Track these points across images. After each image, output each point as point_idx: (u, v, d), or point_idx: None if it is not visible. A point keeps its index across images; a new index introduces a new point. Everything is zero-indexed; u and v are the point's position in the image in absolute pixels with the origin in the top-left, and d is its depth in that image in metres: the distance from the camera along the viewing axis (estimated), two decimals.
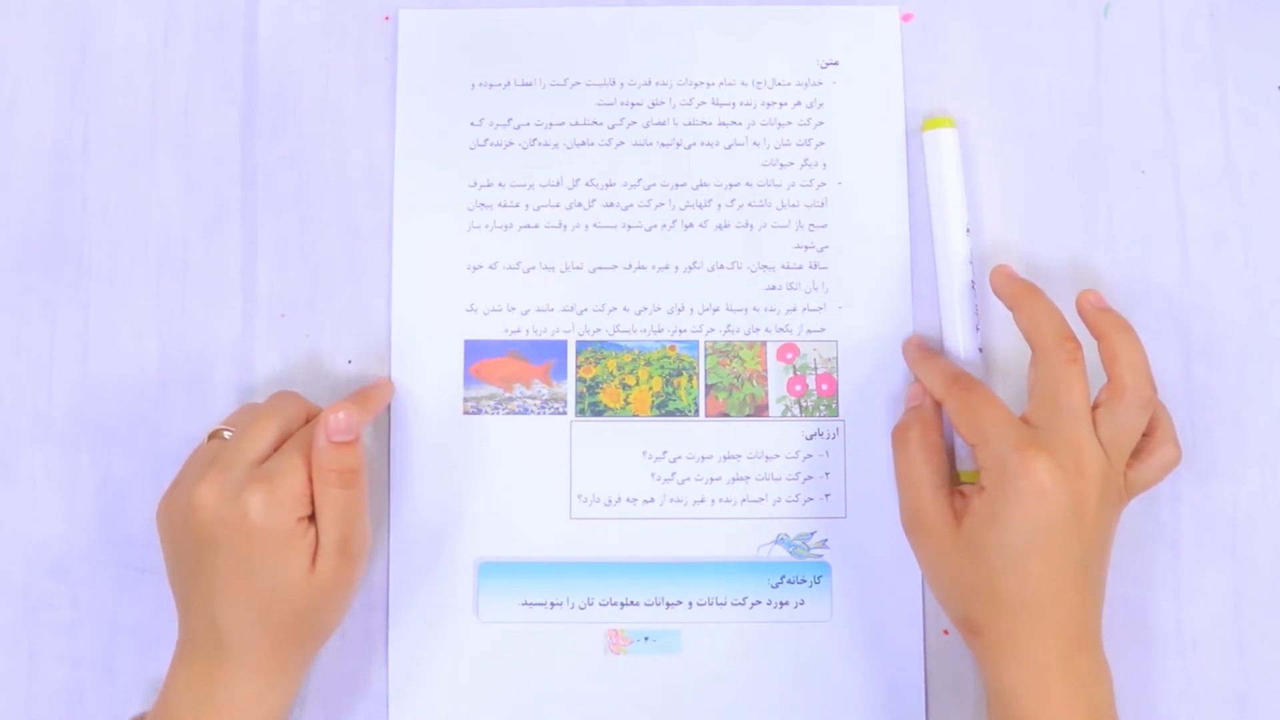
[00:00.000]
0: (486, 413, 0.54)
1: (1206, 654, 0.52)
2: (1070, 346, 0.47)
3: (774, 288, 0.54)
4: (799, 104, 0.55)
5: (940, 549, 0.47)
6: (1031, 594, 0.45)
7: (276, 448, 0.49)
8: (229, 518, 0.46)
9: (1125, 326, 0.48)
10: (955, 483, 0.50)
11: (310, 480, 0.47)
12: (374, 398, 0.52)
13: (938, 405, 0.51)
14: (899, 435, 0.50)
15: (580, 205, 0.55)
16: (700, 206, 0.55)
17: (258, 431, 0.49)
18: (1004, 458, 0.46)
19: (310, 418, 0.51)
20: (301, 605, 0.47)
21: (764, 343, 0.54)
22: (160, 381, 0.55)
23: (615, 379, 0.54)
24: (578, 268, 0.55)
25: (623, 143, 0.55)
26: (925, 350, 0.53)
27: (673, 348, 0.54)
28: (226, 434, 0.50)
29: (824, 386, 0.54)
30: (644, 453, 0.54)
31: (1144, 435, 0.48)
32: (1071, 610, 0.46)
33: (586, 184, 0.55)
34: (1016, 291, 0.50)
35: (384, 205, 0.55)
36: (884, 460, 0.53)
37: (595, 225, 0.55)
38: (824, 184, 0.55)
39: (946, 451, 0.51)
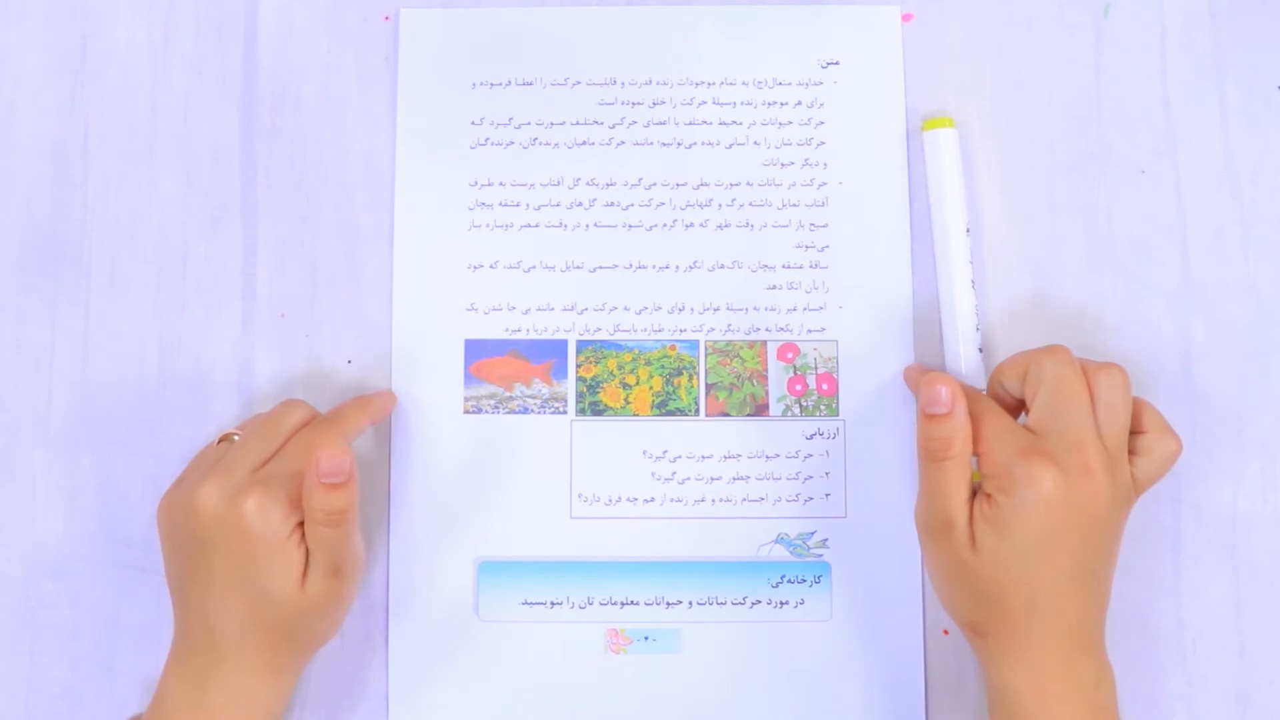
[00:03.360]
0: (487, 412, 0.54)
1: (1207, 654, 0.52)
2: (1057, 350, 0.47)
3: (774, 287, 0.54)
4: (799, 104, 0.55)
5: (954, 556, 0.47)
6: (1039, 600, 0.45)
7: None
8: (227, 519, 0.46)
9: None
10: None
11: None
12: (374, 406, 0.52)
13: (967, 415, 0.48)
14: (937, 449, 0.47)
15: (581, 205, 0.55)
16: (701, 206, 0.55)
17: (263, 438, 0.49)
18: (1010, 467, 0.45)
19: None
20: (291, 615, 0.47)
21: (764, 342, 0.54)
22: (160, 382, 0.55)
23: (615, 378, 0.54)
24: (578, 267, 0.55)
25: (623, 142, 0.55)
26: (925, 370, 0.52)
27: (673, 347, 0.54)
28: (236, 438, 0.50)
29: (824, 386, 0.54)
30: (644, 452, 0.54)
31: (1139, 433, 0.48)
32: (1078, 613, 0.46)
33: (587, 183, 0.55)
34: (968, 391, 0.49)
35: (384, 205, 0.55)
36: (884, 460, 0.53)
37: (596, 225, 0.55)
38: (824, 184, 0.55)
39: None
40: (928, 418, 0.47)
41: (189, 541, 0.47)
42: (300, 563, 0.47)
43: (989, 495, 0.46)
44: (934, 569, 0.49)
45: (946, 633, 0.52)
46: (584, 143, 0.55)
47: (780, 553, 0.53)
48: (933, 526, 0.47)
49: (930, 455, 0.47)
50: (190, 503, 0.47)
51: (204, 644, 0.47)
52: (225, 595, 0.46)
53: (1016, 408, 0.50)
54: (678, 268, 0.55)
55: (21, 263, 0.55)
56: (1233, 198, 0.55)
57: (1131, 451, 0.48)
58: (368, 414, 0.52)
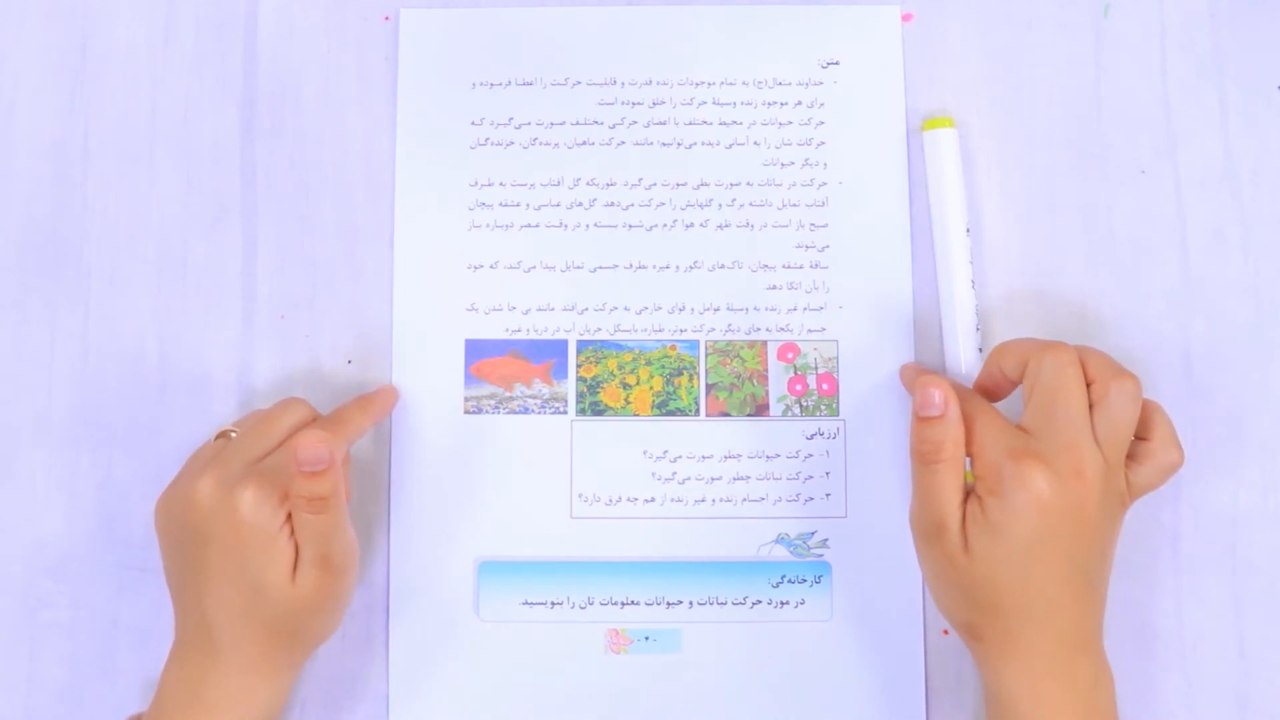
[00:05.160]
0: (487, 412, 0.54)
1: (1206, 654, 0.52)
2: (1060, 349, 0.47)
3: (774, 287, 0.54)
4: (800, 104, 0.55)
5: (948, 559, 0.46)
6: (1033, 602, 0.45)
7: None
8: (222, 510, 0.46)
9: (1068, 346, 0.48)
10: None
11: None
12: (375, 404, 0.52)
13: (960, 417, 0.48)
14: (929, 452, 0.47)
15: (581, 205, 0.55)
16: (701, 206, 0.55)
17: (260, 434, 0.49)
18: (1000, 468, 0.45)
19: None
20: (285, 610, 0.47)
21: (764, 342, 0.54)
22: (160, 382, 0.55)
23: (616, 378, 0.54)
24: (578, 267, 0.55)
25: (623, 142, 0.55)
26: (921, 370, 0.52)
27: (673, 347, 0.54)
28: (233, 434, 0.50)
29: (824, 386, 0.54)
30: (644, 452, 0.54)
31: (1144, 439, 0.48)
32: (1072, 615, 0.46)
33: (587, 183, 0.55)
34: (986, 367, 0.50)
35: (384, 205, 0.55)
36: (884, 460, 0.53)
37: (596, 225, 0.55)
38: (824, 184, 0.55)
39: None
40: (921, 420, 0.47)
41: (185, 535, 0.47)
42: (291, 555, 0.47)
43: (980, 497, 0.46)
44: (928, 572, 0.48)
45: (946, 633, 0.52)
46: (584, 143, 0.55)
47: (780, 553, 0.53)
48: (926, 529, 0.47)
49: (922, 458, 0.47)
50: (187, 495, 0.47)
51: (201, 641, 0.47)
52: (220, 587, 0.47)
53: (1011, 389, 0.50)
54: (678, 268, 0.55)
55: (21, 263, 0.55)
56: (1233, 198, 0.55)
57: (1131, 457, 0.47)
58: (369, 413, 0.52)
